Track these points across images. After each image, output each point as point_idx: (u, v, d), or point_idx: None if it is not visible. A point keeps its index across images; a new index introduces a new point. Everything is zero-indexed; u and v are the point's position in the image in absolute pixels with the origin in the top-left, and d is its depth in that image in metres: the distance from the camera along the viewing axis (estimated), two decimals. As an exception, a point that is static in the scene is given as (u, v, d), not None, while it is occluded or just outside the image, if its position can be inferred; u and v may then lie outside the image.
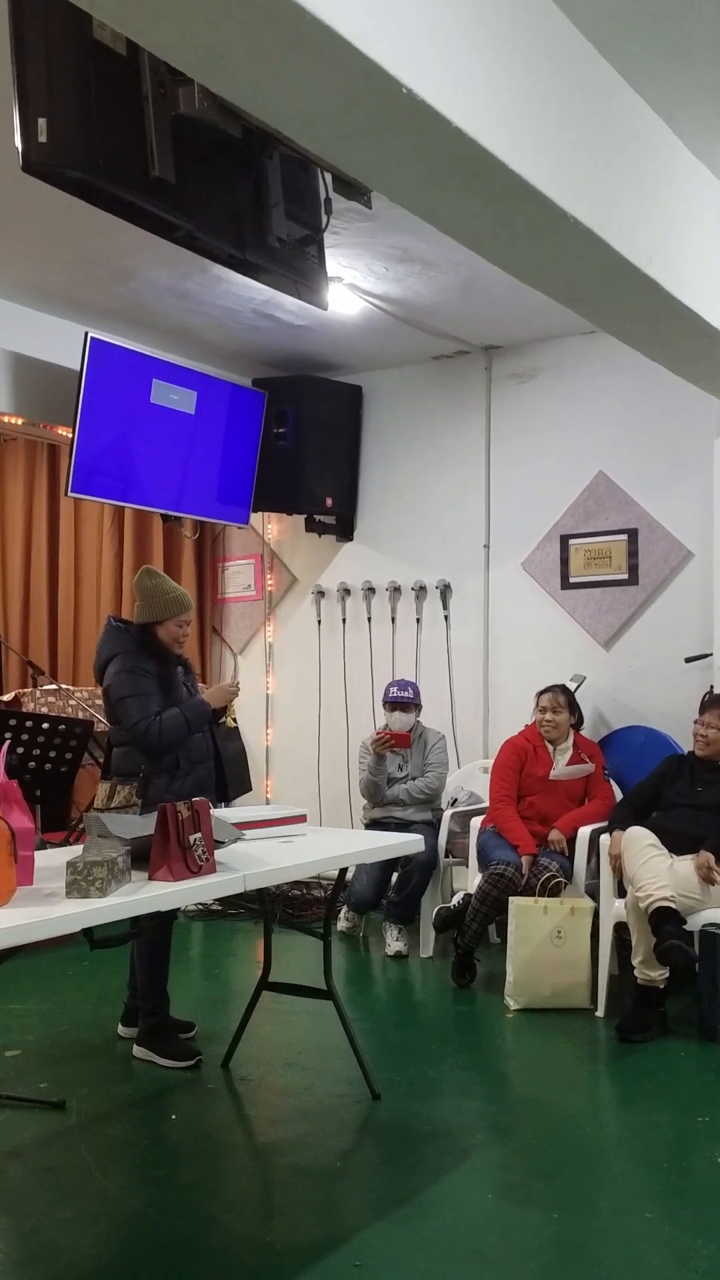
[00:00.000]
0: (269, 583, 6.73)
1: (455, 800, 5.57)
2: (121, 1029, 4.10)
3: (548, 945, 4.41)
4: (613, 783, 5.04)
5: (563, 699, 5.00)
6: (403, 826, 5.22)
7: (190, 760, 3.91)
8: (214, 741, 4.08)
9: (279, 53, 1.98)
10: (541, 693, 5.07)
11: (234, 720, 4.19)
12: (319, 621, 6.52)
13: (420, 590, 6.15)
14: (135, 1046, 3.92)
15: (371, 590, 6.32)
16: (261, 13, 1.84)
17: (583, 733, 5.13)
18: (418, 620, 6.17)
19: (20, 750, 5.09)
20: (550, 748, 4.97)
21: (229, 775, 4.23)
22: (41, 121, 2.54)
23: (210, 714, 3.95)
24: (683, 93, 3.18)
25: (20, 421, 5.77)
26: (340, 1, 1.91)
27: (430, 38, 2.19)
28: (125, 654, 3.86)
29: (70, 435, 5.19)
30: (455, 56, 2.28)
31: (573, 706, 5.04)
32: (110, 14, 1.93)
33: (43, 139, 2.55)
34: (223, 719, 4.10)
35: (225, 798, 4.20)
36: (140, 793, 3.76)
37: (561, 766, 4.94)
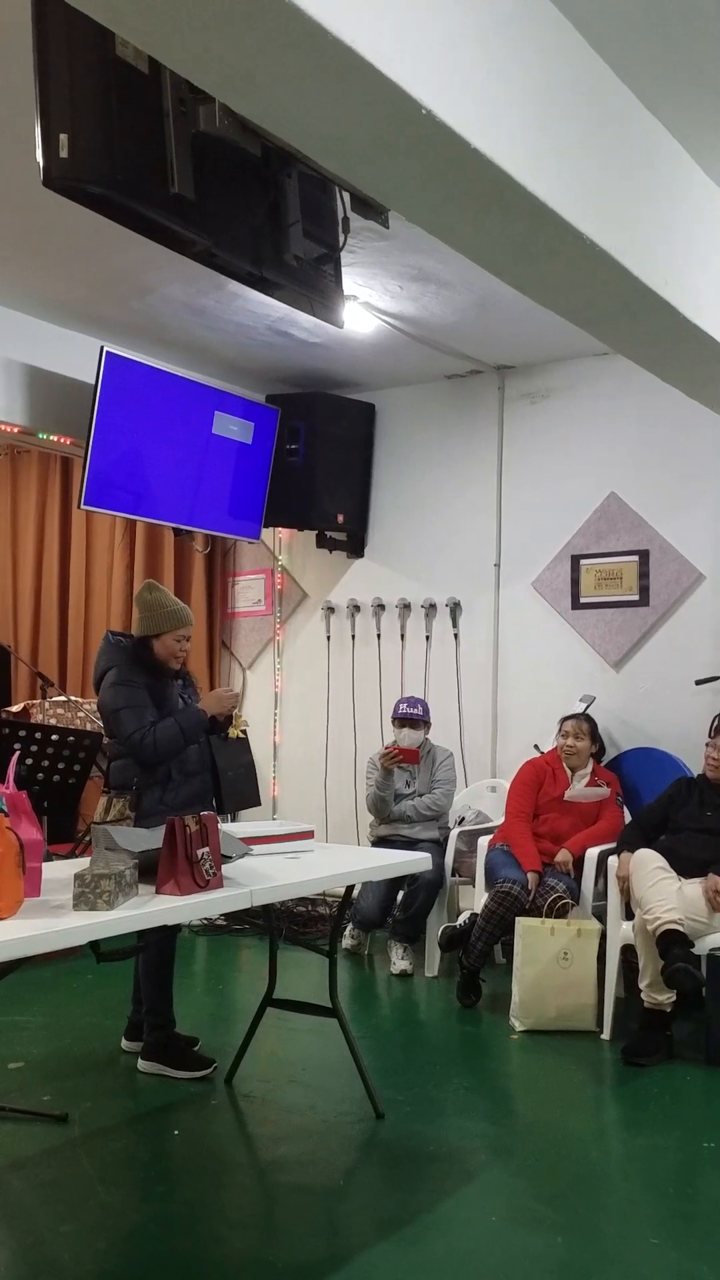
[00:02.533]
0: (279, 598, 6.74)
1: (463, 819, 5.56)
2: (125, 1043, 4.09)
3: (554, 967, 4.39)
4: (625, 809, 5.02)
5: (585, 727, 5.05)
6: (409, 845, 5.21)
7: (184, 772, 3.89)
8: (210, 753, 4.07)
9: (299, 73, 1.99)
10: (565, 719, 5.11)
11: (243, 732, 4.14)
12: (328, 637, 6.52)
13: (430, 608, 6.15)
14: (141, 1061, 3.91)
15: (381, 607, 6.32)
16: (283, 33, 1.86)
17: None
18: (427, 638, 6.17)
19: (29, 761, 5.10)
20: (569, 772, 5.01)
21: (225, 787, 4.19)
22: (63, 137, 2.56)
23: (206, 722, 3.91)
24: (699, 117, 3.19)
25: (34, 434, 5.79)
26: (361, 22, 1.92)
27: (450, 59, 2.21)
28: (119, 667, 3.85)
29: (84, 448, 5.21)
30: (475, 78, 2.29)
31: (594, 736, 5.07)
32: (133, 32, 1.94)
33: (64, 154, 2.57)
34: (228, 730, 4.07)
35: (222, 810, 4.17)
36: (133, 806, 3.75)
37: (578, 788, 4.95)
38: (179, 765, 3.87)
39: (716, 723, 4.68)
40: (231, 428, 5.84)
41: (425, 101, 2.11)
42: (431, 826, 5.41)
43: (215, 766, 4.08)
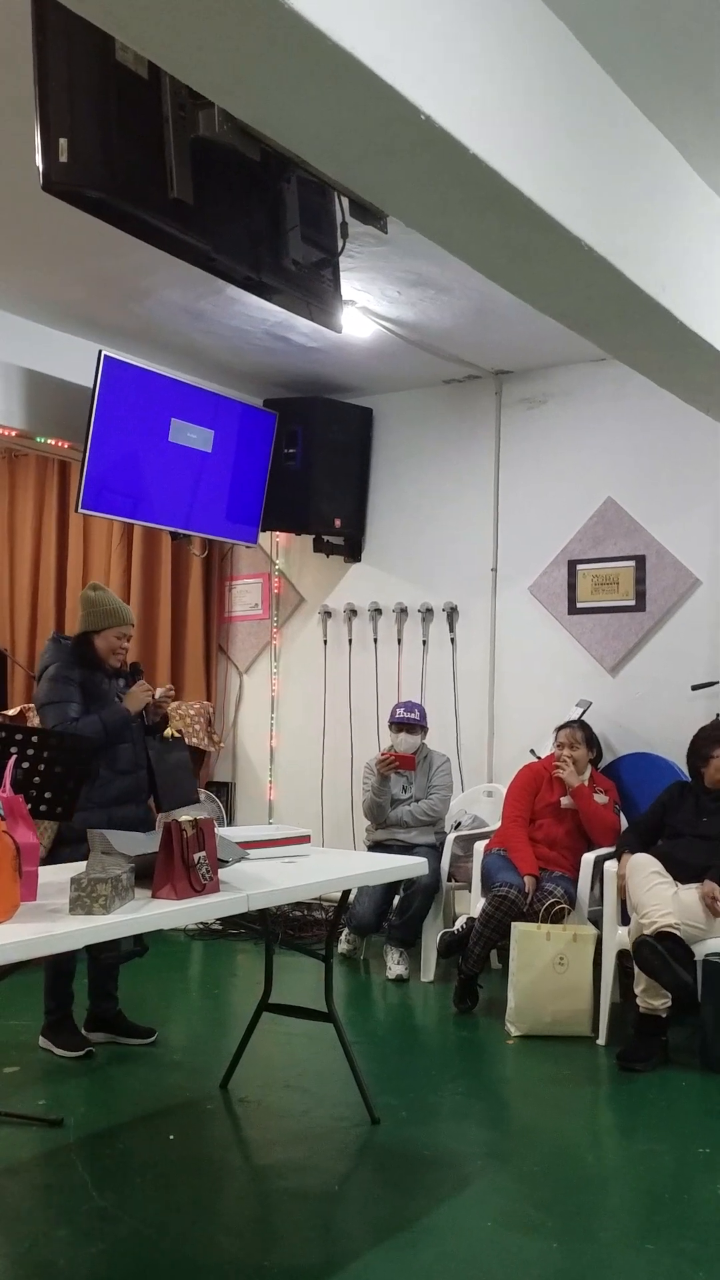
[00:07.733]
0: (276, 602, 6.74)
1: (459, 824, 5.55)
2: (87, 1033, 4.19)
3: (550, 972, 4.39)
4: (622, 817, 5.02)
5: (580, 734, 5.03)
6: (406, 849, 5.21)
7: (114, 769, 4.03)
8: (146, 754, 4.19)
9: (298, 77, 2.00)
10: (560, 728, 5.09)
11: (176, 732, 4.31)
12: (325, 641, 6.52)
13: (427, 612, 6.15)
14: (40, 1039, 4.12)
15: (378, 611, 6.33)
16: (280, 37, 1.86)
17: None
18: (424, 642, 6.17)
19: (25, 765, 5.08)
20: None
21: (162, 785, 4.27)
22: (63, 142, 2.56)
23: (128, 717, 4.04)
24: (697, 122, 3.20)
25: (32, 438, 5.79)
26: (360, 27, 1.93)
27: (448, 65, 2.21)
28: (57, 664, 4.03)
29: (81, 452, 5.21)
30: (473, 83, 2.30)
31: (590, 742, 5.05)
32: (133, 37, 1.95)
33: (64, 159, 2.57)
34: (164, 731, 4.23)
35: (160, 808, 4.23)
36: None
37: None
38: (109, 763, 4.00)
39: (706, 734, 4.63)
40: (190, 435, 5.71)
41: (423, 106, 2.12)
42: (428, 831, 5.41)
43: (150, 767, 4.20)
